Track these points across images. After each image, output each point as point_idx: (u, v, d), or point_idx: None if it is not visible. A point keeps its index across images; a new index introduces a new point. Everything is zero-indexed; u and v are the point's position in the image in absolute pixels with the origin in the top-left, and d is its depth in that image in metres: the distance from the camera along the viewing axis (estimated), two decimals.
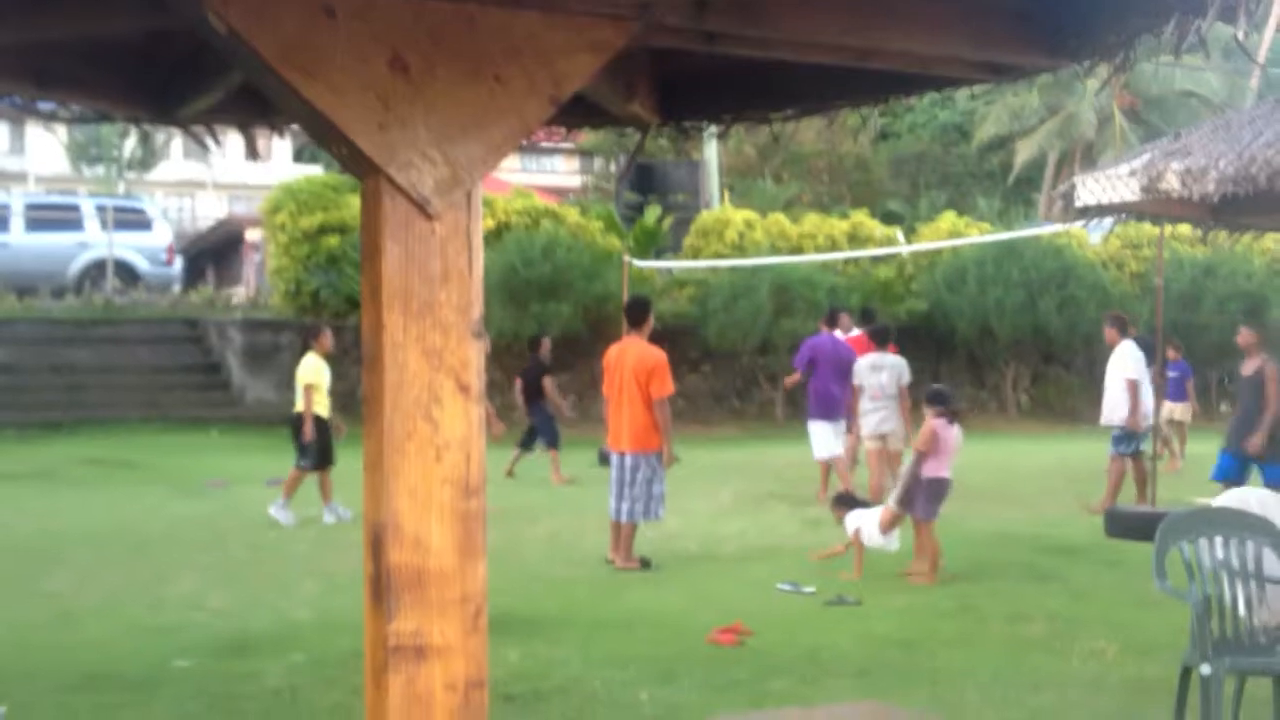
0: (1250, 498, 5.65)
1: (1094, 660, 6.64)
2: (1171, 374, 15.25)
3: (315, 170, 29.01)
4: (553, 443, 14.46)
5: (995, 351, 22.87)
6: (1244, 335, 10.88)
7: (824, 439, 12.40)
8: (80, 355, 20.37)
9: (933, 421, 8.83)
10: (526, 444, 14.76)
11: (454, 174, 1.78)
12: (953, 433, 8.83)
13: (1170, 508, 10.29)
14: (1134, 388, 11.79)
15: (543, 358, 15.09)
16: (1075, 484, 13.48)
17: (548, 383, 14.67)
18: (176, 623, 7.46)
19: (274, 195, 22.19)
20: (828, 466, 12.58)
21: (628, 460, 9.21)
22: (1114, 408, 11.95)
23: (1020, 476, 14.59)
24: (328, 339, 11.66)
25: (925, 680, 6.22)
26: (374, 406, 1.78)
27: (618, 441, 9.28)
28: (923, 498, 8.79)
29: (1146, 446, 11.93)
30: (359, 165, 1.77)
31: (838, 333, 13.11)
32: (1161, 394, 13.08)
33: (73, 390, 19.36)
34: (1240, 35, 2.48)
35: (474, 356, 1.80)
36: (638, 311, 9.49)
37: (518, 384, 15.05)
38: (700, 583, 8.75)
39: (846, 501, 9.40)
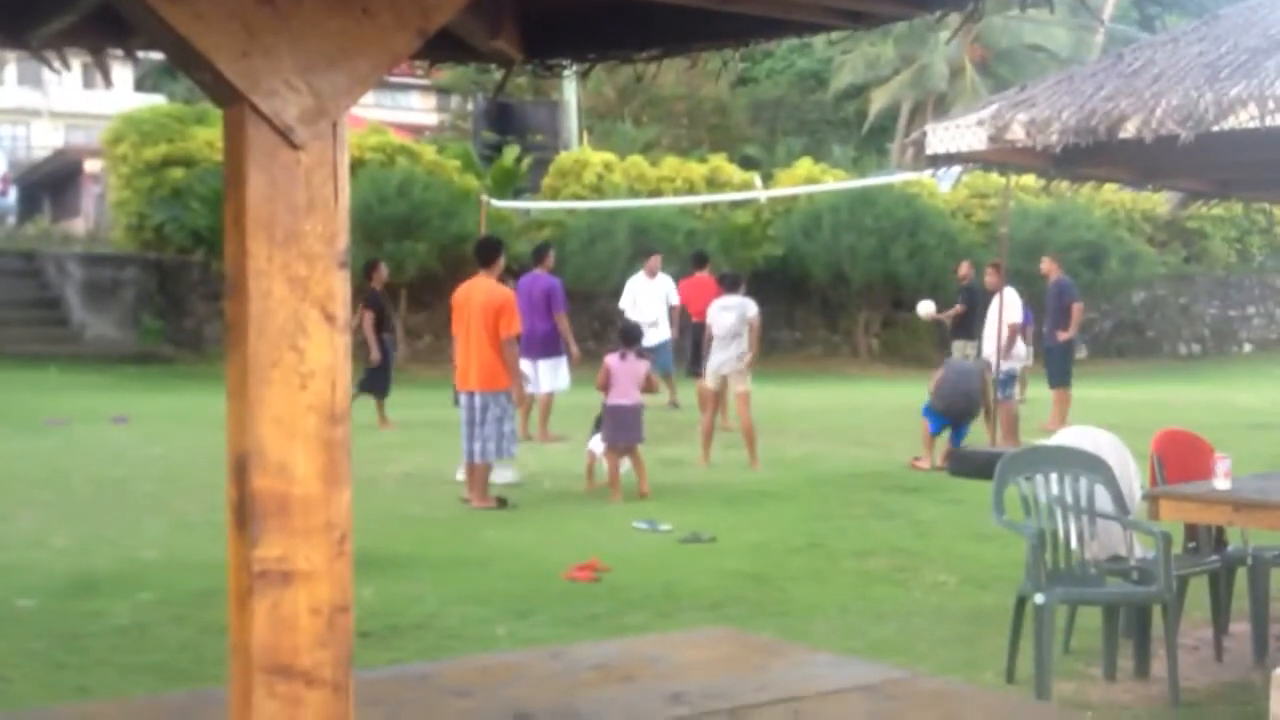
0: (1085, 437, 5.91)
1: (935, 591, 6.92)
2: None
3: (158, 100, 28.01)
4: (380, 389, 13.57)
5: (848, 296, 23.36)
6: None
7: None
8: None
9: (607, 359, 9.91)
10: (370, 387, 13.38)
11: (319, 104, 1.77)
12: (628, 365, 9.80)
13: (1008, 447, 10.79)
14: (1020, 331, 12.65)
15: (376, 287, 13.77)
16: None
17: (367, 320, 13.41)
18: (18, 562, 7.25)
19: (115, 125, 21.42)
20: (547, 400, 12.93)
21: (477, 399, 9.23)
22: (1002, 351, 12.66)
23: (870, 418, 14.99)
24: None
25: (776, 612, 6.42)
26: (238, 335, 1.78)
27: (466, 381, 9.31)
28: (607, 425, 9.73)
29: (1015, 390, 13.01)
30: (222, 93, 1.75)
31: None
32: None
33: None
34: None
35: (340, 286, 1.81)
36: (488, 251, 9.59)
37: (367, 318, 13.44)
38: (557, 521, 8.84)
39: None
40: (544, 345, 12.80)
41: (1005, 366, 12.68)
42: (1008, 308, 12.90)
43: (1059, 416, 13.66)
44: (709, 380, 11.62)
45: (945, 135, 6.69)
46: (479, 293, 9.29)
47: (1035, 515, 5.24)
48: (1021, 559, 5.28)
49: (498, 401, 9.23)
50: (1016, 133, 6.31)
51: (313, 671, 1.81)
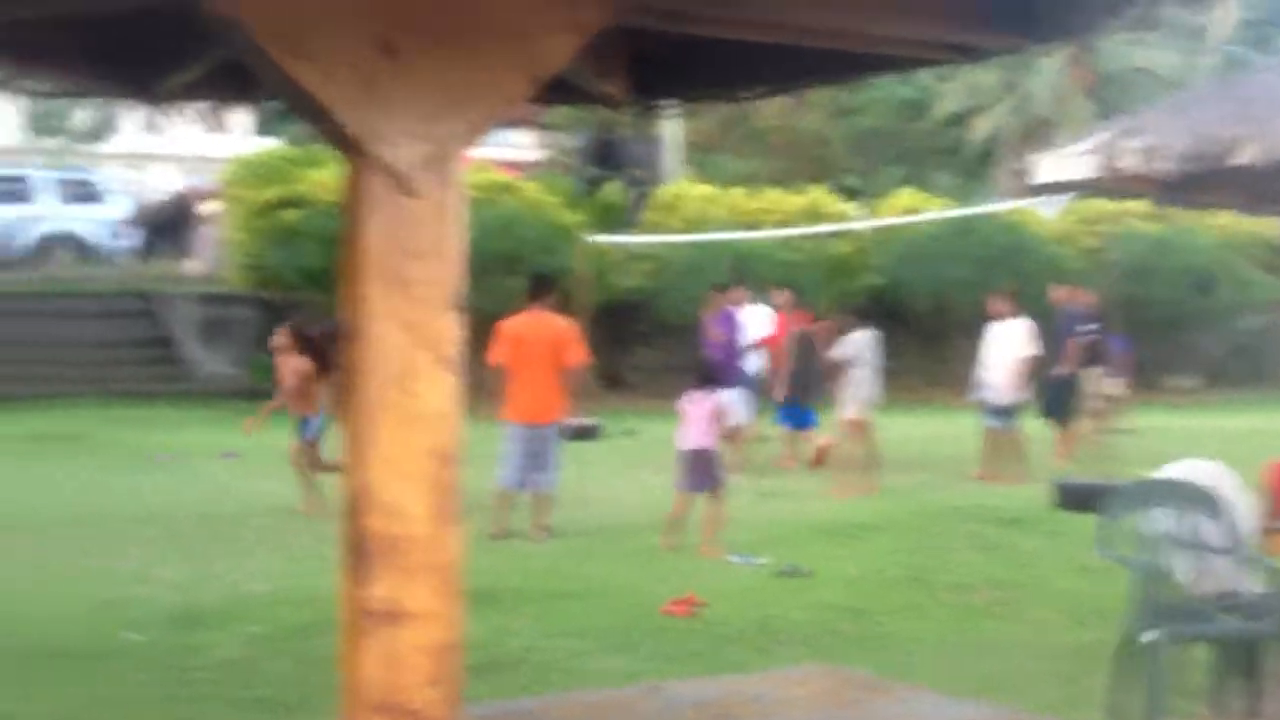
0: (1198, 469, 5.76)
1: (1038, 627, 6.80)
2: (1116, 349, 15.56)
3: (275, 143, 28.64)
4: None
5: (949, 326, 23.04)
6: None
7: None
8: (28, 329, 19.95)
9: (683, 399, 9.20)
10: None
11: (435, 151, 1.82)
12: (698, 405, 9.06)
13: (1116, 480, 10.54)
14: (1033, 364, 12.79)
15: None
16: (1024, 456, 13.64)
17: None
18: (126, 596, 7.38)
19: (231, 168, 21.96)
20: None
21: (544, 431, 9.38)
22: (1010, 384, 12.73)
23: (970, 449, 14.72)
24: None
25: (875, 647, 6.35)
26: (353, 378, 1.82)
27: (529, 413, 9.31)
28: (677, 470, 9.21)
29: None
30: (343, 143, 1.80)
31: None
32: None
33: (20, 365, 18.93)
34: (1198, 18, 2.54)
35: (452, 330, 1.84)
36: (545, 285, 9.75)
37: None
38: (654, 555, 8.82)
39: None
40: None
41: (1011, 399, 12.69)
42: (1020, 339, 12.75)
43: (1064, 452, 13.40)
44: (860, 411, 11.63)
45: (1053, 164, 6.61)
46: (547, 326, 9.46)
47: (1144, 550, 5.12)
48: (1123, 594, 5.17)
49: (555, 432, 9.50)
50: (1127, 161, 6.21)
51: (423, 710, 1.84)
